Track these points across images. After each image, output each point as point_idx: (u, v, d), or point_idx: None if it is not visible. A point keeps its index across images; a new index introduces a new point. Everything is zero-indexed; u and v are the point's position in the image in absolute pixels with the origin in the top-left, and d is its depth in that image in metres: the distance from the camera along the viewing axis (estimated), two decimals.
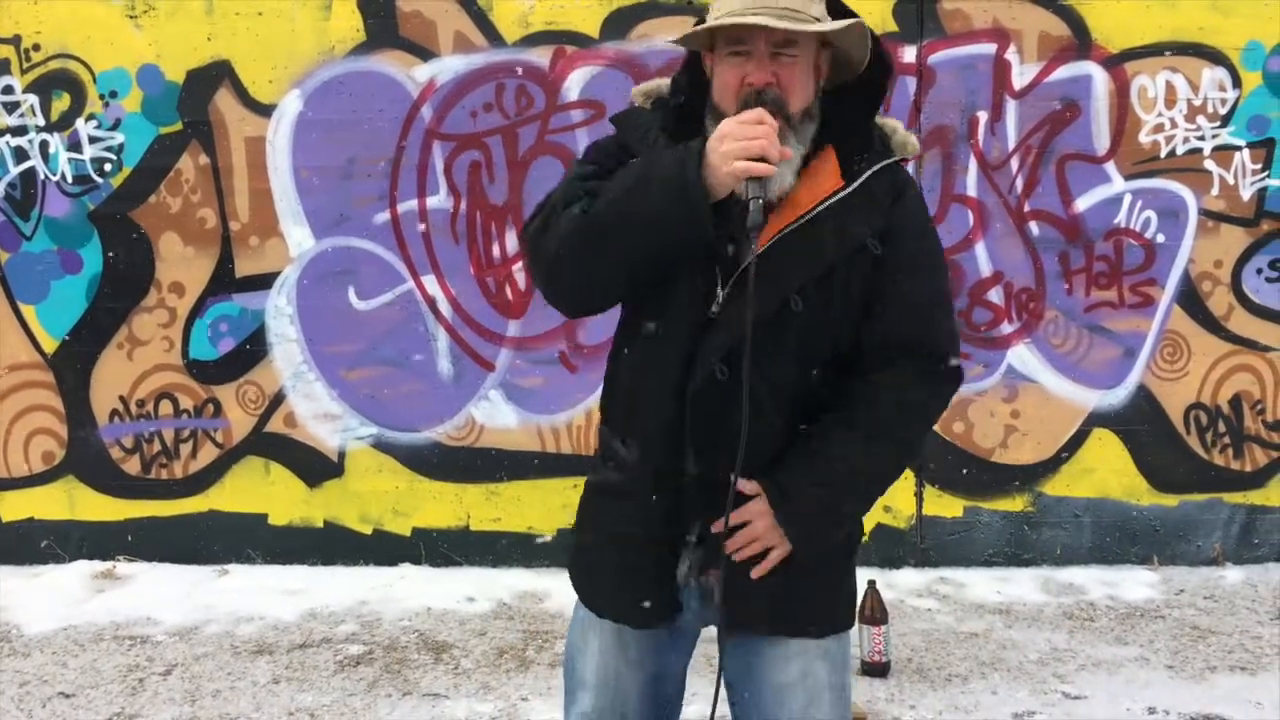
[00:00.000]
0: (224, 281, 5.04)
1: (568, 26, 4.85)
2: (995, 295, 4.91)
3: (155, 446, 5.16)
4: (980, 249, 4.89)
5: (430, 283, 4.99)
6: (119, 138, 5.00)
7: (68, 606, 4.69)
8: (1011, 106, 4.82)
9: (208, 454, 5.15)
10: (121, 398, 5.14)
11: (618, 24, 4.83)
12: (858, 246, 1.85)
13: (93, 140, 5.01)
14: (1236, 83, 4.79)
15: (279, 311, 5.05)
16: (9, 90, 5.01)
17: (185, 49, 4.94)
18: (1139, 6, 4.76)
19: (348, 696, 3.82)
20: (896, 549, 5.01)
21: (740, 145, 1.68)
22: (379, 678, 3.97)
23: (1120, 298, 4.90)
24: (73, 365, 5.12)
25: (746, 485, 1.86)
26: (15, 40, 4.99)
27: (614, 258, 1.80)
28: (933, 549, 5.02)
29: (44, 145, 5.03)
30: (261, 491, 5.14)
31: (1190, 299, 4.90)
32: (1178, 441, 4.96)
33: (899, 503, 5.00)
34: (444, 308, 5.00)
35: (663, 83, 2.00)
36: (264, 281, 5.04)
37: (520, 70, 4.86)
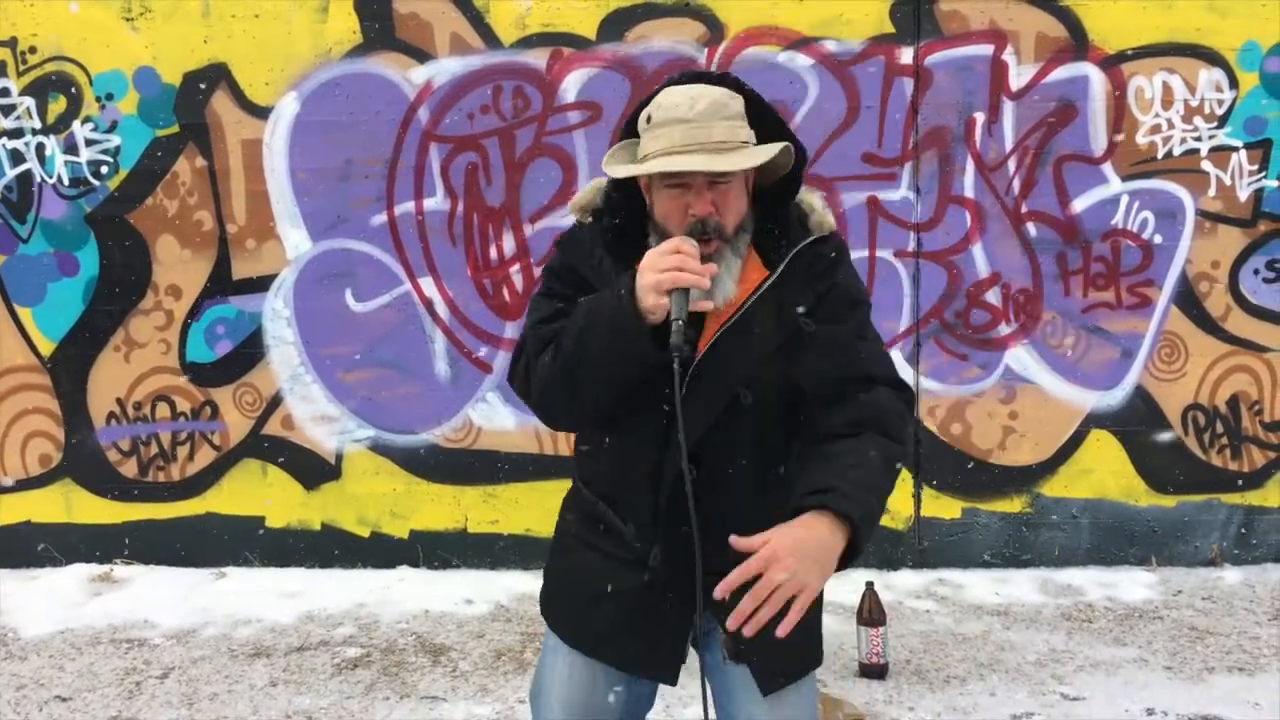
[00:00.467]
0: (221, 284, 5.04)
1: (564, 28, 4.85)
2: (993, 296, 4.91)
3: (152, 449, 5.15)
4: (977, 250, 4.89)
5: (427, 285, 4.99)
6: (115, 140, 4.99)
7: (65, 609, 4.68)
8: (1009, 107, 4.82)
9: (205, 456, 5.14)
10: (118, 400, 5.13)
11: (615, 26, 4.83)
12: (794, 328, 1.96)
13: (89, 143, 5.00)
14: (1233, 83, 4.80)
15: (276, 314, 5.05)
16: (5, 93, 5.01)
17: (182, 51, 4.93)
18: (1136, 7, 4.76)
19: (345, 699, 3.81)
20: (894, 550, 5.01)
21: (656, 279, 1.82)
22: (376, 680, 3.96)
23: (1118, 299, 4.90)
24: (69, 368, 5.12)
25: (746, 542, 1.78)
26: (11, 43, 4.99)
27: (589, 394, 1.95)
28: (931, 550, 5.02)
29: (40, 148, 5.03)
30: (259, 494, 5.13)
31: (1188, 300, 4.90)
32: (1176, 442, 4.96)
33: (897, 504, 5.00)
34: (441, 310, 5.00)
35: (596, 192, 2.11)
36: (261, 284, 5.03)
37: (517, 72, 4.87)
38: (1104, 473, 4.97)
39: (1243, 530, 4.99)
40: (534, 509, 5.01)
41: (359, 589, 4.85)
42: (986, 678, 3.90)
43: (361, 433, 5.08)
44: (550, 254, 2.20)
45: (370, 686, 3.91)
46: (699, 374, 1.93)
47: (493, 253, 4.97)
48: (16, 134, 5.03)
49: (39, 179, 5.04)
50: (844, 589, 4.69)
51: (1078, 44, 4.79)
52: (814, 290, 1.99)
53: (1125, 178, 4.85)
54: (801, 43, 4.81)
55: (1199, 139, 4.83)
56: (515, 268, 4.96)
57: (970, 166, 4.85)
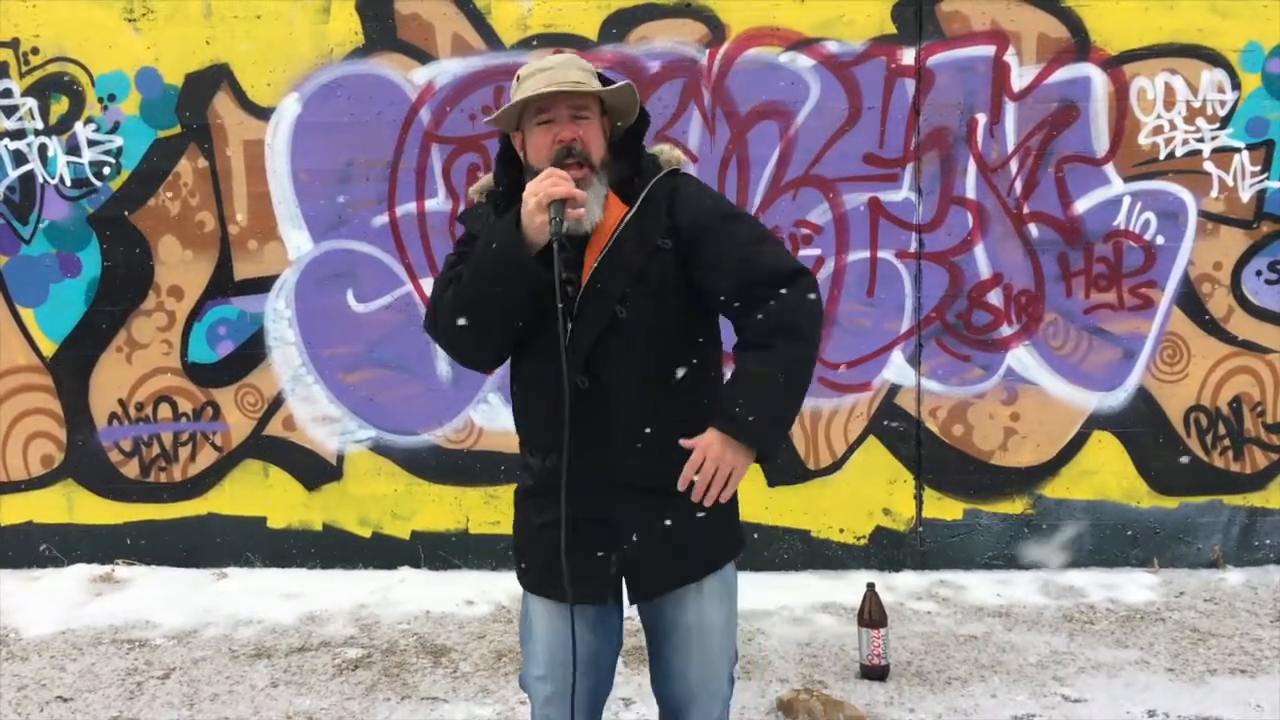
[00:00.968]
0: (223, 285, 5.05)
1: (566, 29, 4.85)
2: (995, 297, 4.90)
3: (154, 450, 5.16)
4: (979, 251, 4.89)
5: (429, 285, 4.98)
6: (117, 141, 5.00)
7: (66, 610, 4.69)
8: (1010, 108, 4.82)
9: (206, 457, 5.15)
10: (120, 401, 5.14)
11: (616, 26, 4.83)
12: (652, 249, 2.25)
13: (91, 143, 5.01)
14: (1235, 84, 4.79)
15: (278, 315, 5.05)
16: (7, 94, 5.02)
17: (184, 52, 4.94)
18: (1138, 8, 4.76)
19: (346, 700, 3.81)
20: (896, 552, 5.01)
21: (536, 198, 2.14)
22: (377, 681, 3.96)
23: (1120, 300, 4.90)
24: (71, 368, 5.12)
25: (686, 442, 2.15)
26: (14, 44, 5.00)
27: (486, 317, 2.22)
28: (932, 552, 5.01)
29: (43, 148, 5.04)
30: (260, 495, 5.13)
31: (1190, 301, 4.89)
32: (1178, 444, 4.95)
33: (899, 505, 5.00)
34: None
35: (489, 180, 2.43)
36: (263, 285, 5.04)
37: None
38: (1106, 474, 4.96)
39: (1245, 532, 4.98)
40: None
41: (360, 590, 4.85)
42: (988, 679, 3.89)
43: (363, 433, 5.09)
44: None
45: (371, 687, 3.91)
46: (585, 298, 2.23)
47: None
48: (19, 135, 5.04)
49: (41, 180, 5.05)
50: (845, 590, 4.70)
51: (1080, 45, 4.79)
52: (671, 217, 2.28)
53: (1127, 179, 4.84)
54: (803, 43, 4.81)
55: (1201, 140, 4.83)
56: None
57: (972, 167, 4.85)
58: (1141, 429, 4.94)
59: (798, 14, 4.80)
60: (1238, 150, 4.83)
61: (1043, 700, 3.71)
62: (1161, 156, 4.83)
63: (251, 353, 5.08)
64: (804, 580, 4.91)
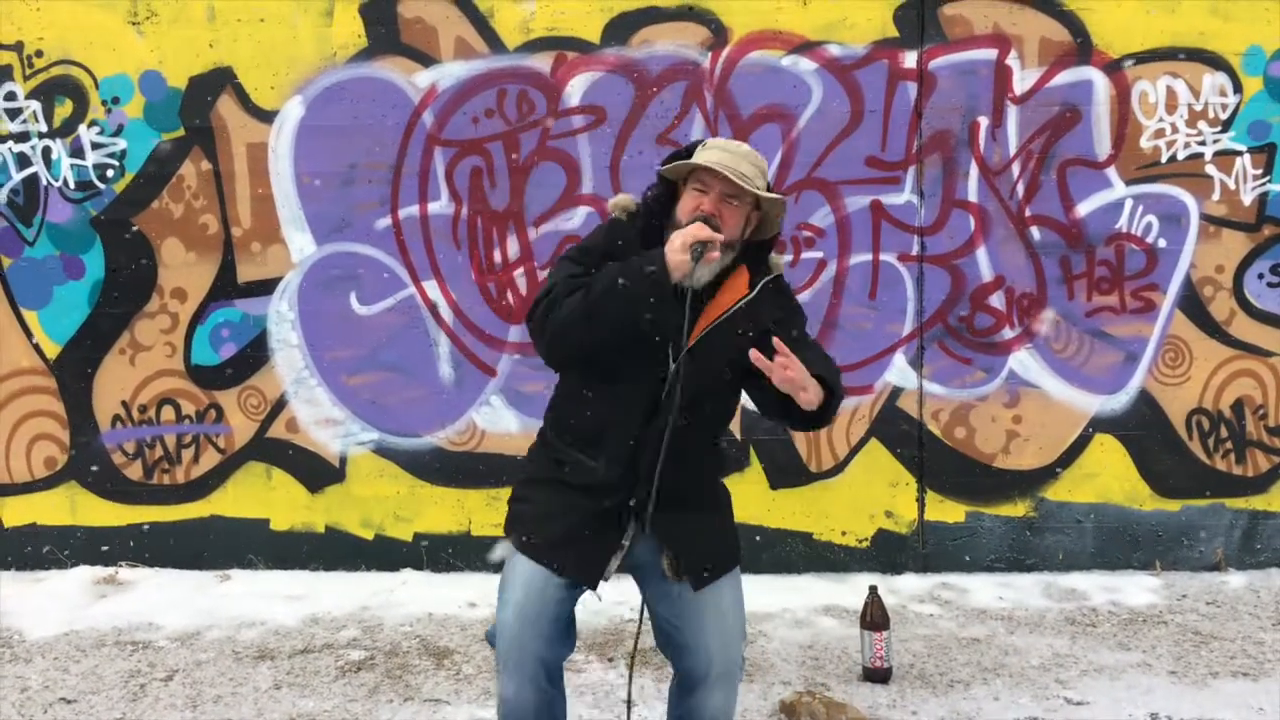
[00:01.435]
0: (226, 287, 5.06)
1: (569, 32, 4.86)
2: (996, 300, 4.91)
3: (157, 452, 5.16)
4: (981, 254, 4.89)
5: (431, 288, 5.00)
6: (121, 144, 5.01)
7: (70, 612, 4.69)
8: (1012, 112, 4.83)
9: (210, 459, 5.15)
10: (124, 403, 5.14)
11: (618, 30, 4.84)
12: (764, 329, 2.62)
13: (95, 146, 5.02)
14: (1237, 88, 4.80)
15: (281, 317, 5.06)
16: (11, 96, 5.03)
17: (187, 55, 4.95)
18: (1140, 12, 4.76)
19: (349, 702, 3.81)
20: (898, 554, 5.01)
21: (683, 238, 2.49)
22: (380, 683, 3.97)
23: (1122, 303, 4.90)
24: (75, 371, 5.13)
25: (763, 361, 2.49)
26: (18, 46, 5.01)
27: (605, 328, 2.54)
28: (935, 554, 5.02)
29: (46, 151, 5.05)
30: (263, 497, 5.14)
31: (1192, 304, 4.90)
32: (1180, 447, 4.96)
33: (901, 508, 5.00)
34: (445, 313, 5.01)
35: (631, 200, 2.76)
36: (266, 287, 5.05)
37: (522, 76, 4.88)
38: (1108, 477, 4.96)
39: (1247, 535, 4.98)
40: None
41: (363, 592, 4.86)
42: (990, 682, 3.90)
43: (366, 436, 5.09)
44: (585, 237, 2.80)
45: (374, 689, 3.92)
46: (693, 351, 2.59)
47: (497, 256, 4.98)
48: (23, 137, 5.05)
49: (45, 182, 5.06)
50: (848, 593, 4.71)
51: (1082, 48, 4.79)
52: (778, 307, 2.73)
53: (1129, 182, 4.85)
54: (805, 47, 4.82)
55: (1203, 143, 4.83)
56: (519, 271, 4.97)
57: (974, 170, 4.86)
58: (1143, 432, 4.95)
59: (800, 17, 4.81)
60: (1239, 153, 4.84)
61: (1045, 703, 3.71)
62: (1163, 160, 4.84)
63: (254, 355, 5.08)
64: (806, 583, 4.91)
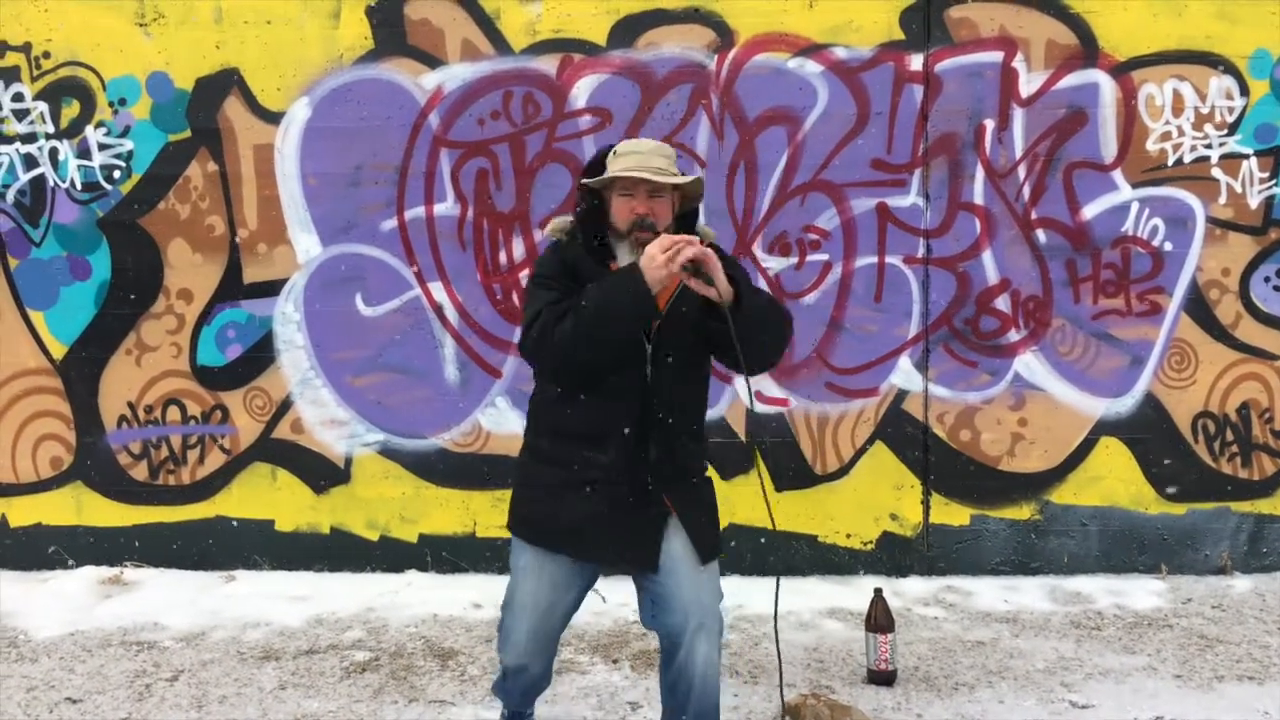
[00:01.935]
0: (232, 288, 5.07)
1: (575, 34, 4.86)
2: (1002, 303, 4.91)
3: (163, 452, 5.17)
4: (987, 256, 4.89)
5: (437, 289, 5.00)
6: (128, 145, 5.02)
7: (75, 612, 4.70)
8: (1019, 114, 4.82)
9: (215, 460, 5.16)
10: (130, 404, 5.15)
11: (625, 32, 4.85)
12: (701, 302, 2.83)
13: (102, 147, 5.03)
14: (1244, 91, 4.79)
15: (286, 318, 5.07)
16: (19, 97, 5.04)
17: (194, 57, 4.96)
18: (1146, 15, 4.76)
19: (354, 703, 3.82)
20: (903, 557, 5.01)
21: (664, 260, 2.67)
22: (385, 684, 3.97)
23: (1128, 306, 4.90)
24: (81, 371, 5.14)
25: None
26: (26, 48, 5.02)
27: (604, 348, 2.78)
28: (940, 557, 5.01)
29: (54, 152, 5.06)
30: (268, 498, 5.15)
31: (1198, 307, 4.89)
32: (1185, 450, 4.95)
33: (906, 511, 5.00)
34: (451, 314, 5.01)
35: (565, 221, 3.01)
36: (272, 288, 5.06)
37: (528, 78, 4.89)
38: (1113, 480, 4.96)
39: (1253, 538, 4.97)
40: None
41: (368, 593, 4.86)
42: (995, 685, 3.89)
43: (371, 437, 5.10)
44: (536, 264, 3.01)
45: (379, 690, 3.92)
46: (662, 332, 2.86)
47: (502, 258, 4.99)
48: (30, 138, 5.06)
49: (52, 183, 5.07)
50: (853, 595, 4.70)
51: (1088, 51, 4.79)
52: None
53: (1135, 185, 4.84)
54: (811, 49, 4.82)
55: (1209, 146, 4.83)
56: (525, 273, 4.97)
57: (980, 173, 4.86)
58: (1149, 435, 4.94)
59: (806, 20, 4.81)
60: (1246, 157, 4.83)
61: (1050, 706, 3.71)
62: (1169, 163, 4.84)
63: (260, 356, 5.09)
64: (811, 585, 4.91)
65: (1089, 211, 4.86)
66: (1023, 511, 4.99)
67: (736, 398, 4.96)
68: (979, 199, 4.87)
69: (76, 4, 4.99)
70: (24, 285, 5.13)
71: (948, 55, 4.81)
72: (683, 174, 2.93)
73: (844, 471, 5.01)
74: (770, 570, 4.94)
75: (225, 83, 4.97)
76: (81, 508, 5.21)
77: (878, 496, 5.00)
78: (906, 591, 4.81)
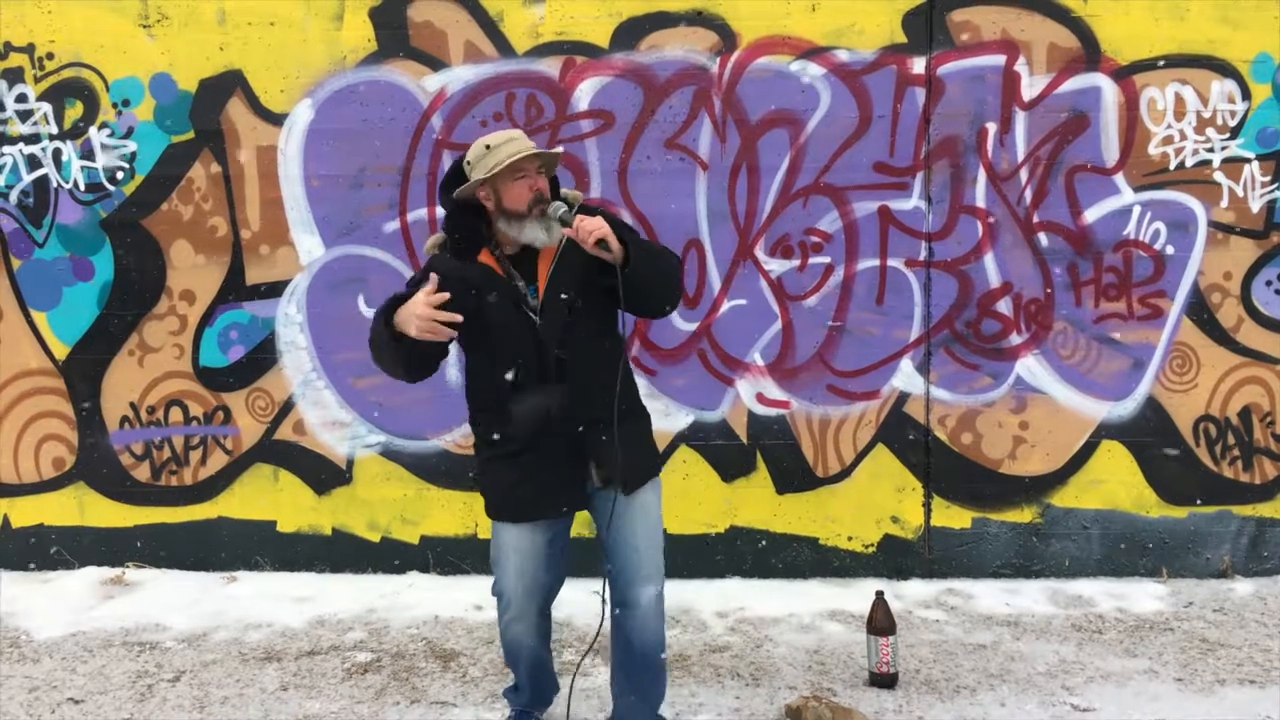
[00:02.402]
0: (235, 289, 5.07)
1: (578, 37, 4.87)
2: (1004, 306, 4.91)
3: (165, 453, 5.18)
4: (989, 260, 4.89)
5: None
6: (131, 146, 5.03)
7: (77, 612, 4.71)
8: (1020, 118, 4.83)
9: (217, 461, 5.17)
10: (132, 404, 5.16)
11: (628, 35, 4.85)
12: (588, 256, 3.03)
13: (105, 148, 5.04)
14: (1246, 95, 4.80)
15: (289, 319, 5.07)
16: (23, 98, 5.05)
17: (198, 58, 4.97)
18: (1148, 19, 4.77)
19: (355, 704, 3.82)
20: (904, 560, 5.01)
21: (418, 325, 2.96)
22: (387, 685, 3.97)
23: (1129, 309, 4.90)
24: (84, 372, 5.15)
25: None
26: (29, 49, 5.03)
27: (391, 360, 3.13)
28: (941, 560, 5.01)
29: (57, 153, 5.07)
30: (270, 499, 5.15)
31: (1199, 311, 4.89)
32: (1187, 453, 4.95)
33: (907, 514, 5.00)
34: None
35: (440, 236, 3.25)
36: (274, 289, 5.06)
37: (530, 80, 4.89)
38: (1115, 484, 4.96)
39: (1254, 542, 4.97)
40: None
41: (369, 594, 4.87)
42: (996, 688, 3.89)
43: (373, 438, 5.11)
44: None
45: (380, 691, 3.92)
46: (549, 297, 3.11)
47: None
48: (33, 139, 5.07)
49: (55, 184, 5.08)
50: (854, 598, 4.71)
51: (1090, 55, 4.79)
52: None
53: (1137, 188, 4.85)
54: (813, 52, 4.83)
55: (1211, 150, 4.83)
56: None
57: (982, 176, 4.86)
58: (1151, 439, 4.94)
59: (808, 23, 4.82)
60: (1248, 161, 4.83)
61: (1051, 709, 3.71)
62: (1171, 166, 4.84)
63: (262, 357, 5.10)
64: (812, 588, 4.91)
65: (1091, 215, 4.86)
66: (1024, 514, 4.99)
67: (738, 399, 4.97)
68: (981, 202, 4.87)
69: (80, 5, 5.00)
70: (27, 286, 5.14)
71: (950, 58, 4.81)
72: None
73: (845, 474, 5.01)
74: (772, 573, 4.94)
75: (228, 84, 4.98)
76: (84, 508, 5.22)
77: (879, 499, 5.00)
78: (908, 594, 4.81)
